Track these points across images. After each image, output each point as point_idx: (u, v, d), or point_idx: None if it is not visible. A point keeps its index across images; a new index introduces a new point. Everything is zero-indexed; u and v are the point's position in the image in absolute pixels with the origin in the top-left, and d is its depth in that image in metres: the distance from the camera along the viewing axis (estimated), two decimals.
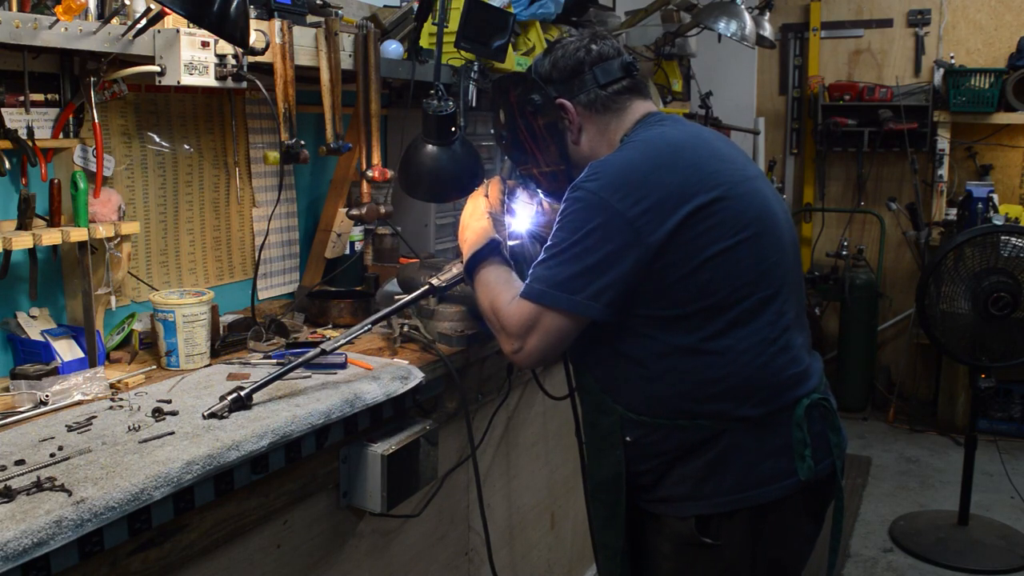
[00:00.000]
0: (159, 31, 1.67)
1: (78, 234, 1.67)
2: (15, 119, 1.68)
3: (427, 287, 1.80)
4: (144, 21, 1.62)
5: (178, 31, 1.67)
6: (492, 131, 2.09)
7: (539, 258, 1.51)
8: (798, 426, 1.50)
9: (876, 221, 5.04)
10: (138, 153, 1.99)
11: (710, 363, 1.47)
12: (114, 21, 1.60)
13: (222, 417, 1.47)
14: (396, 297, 1.86)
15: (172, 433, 1.39)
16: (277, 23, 1.87)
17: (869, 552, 3.38)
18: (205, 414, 1.47)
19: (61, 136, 1.77)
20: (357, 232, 2.43)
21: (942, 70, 4.59)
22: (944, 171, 4.60)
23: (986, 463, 3.93)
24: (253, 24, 1.73)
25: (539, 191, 1.88)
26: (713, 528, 1.52)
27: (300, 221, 2.45)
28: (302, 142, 1.96)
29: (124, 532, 1.23)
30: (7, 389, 1.56)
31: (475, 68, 2.39)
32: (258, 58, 1.82)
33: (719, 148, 1.57)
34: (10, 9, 1.48)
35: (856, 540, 3.47)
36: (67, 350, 1.71)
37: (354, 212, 2.21)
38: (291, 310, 2.22)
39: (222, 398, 1.50)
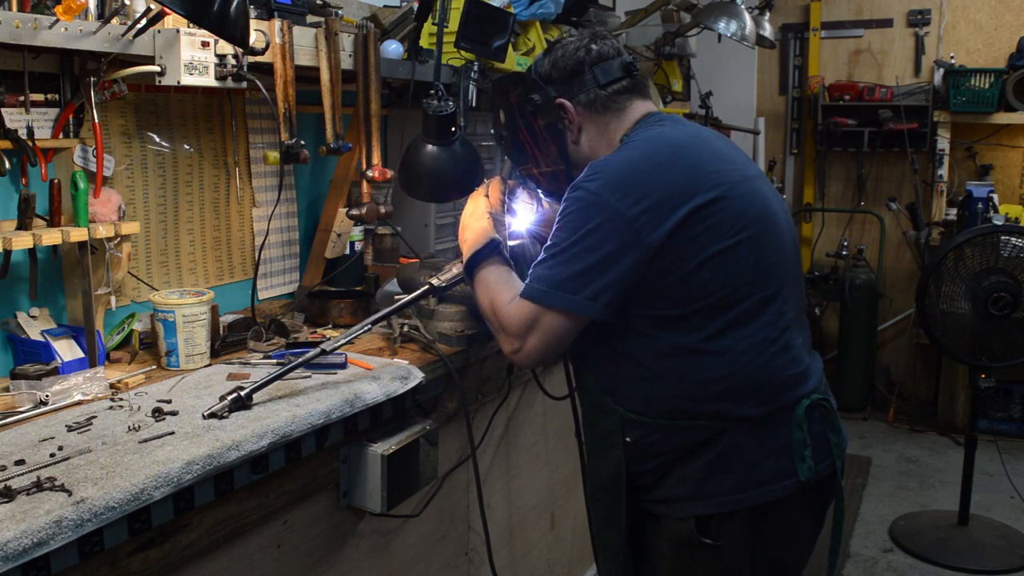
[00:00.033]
0: (159, 31, 1.67)
1: (78, 234, 1.67)
2: (15, 119, 1.68)
3: (427, 287, 1.80)
4: (144, 21, 1.62)
5: (178, 31, 1.67)
6: (492, 131, 2.09)
7: (539, 258, 1.51)
8: (798, 426, 1.50)
9: (876, 221, 5.04)
10: (138, 153, 1.99)
11: (710, 363, 1.47)
12: (114, 21, 1.60)
13: (222, 417, 1.47)
14: (396, 297, 1.86)
15: (172, 433, 1.39)
16: (277, 23, 1.87)
17: (869, 552, 3.38)
18: (205, 414, 1.47)
19: (61, 136, 1.77)
20: (357, 232, 2.43)
21: (942, 70, 4.59)
22: (944, 171, 4.60)
23: (986, 463, 3.93)
24: (253, 24, 1.73)
25: (539, 191, 1.88)
26: (713, 528, 1.52)
27: (300, 221, 2.45)
28: (302, 142, 1.96)
29: (124, 532, 1.23)
30: (7, 389, 1.56)
31: (475, 68, 2.39)
32: (258, 58, 1.82)
33: (719, 148, 1.57)
34: (10, 9, 1.48)
35: (856, 540, 3.47)
36: (67, 350, 1.71)
37: (354, 212, 2.21)
38: (291, 310, 2.22)
39: (222, 398, 1.50)
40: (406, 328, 1.96)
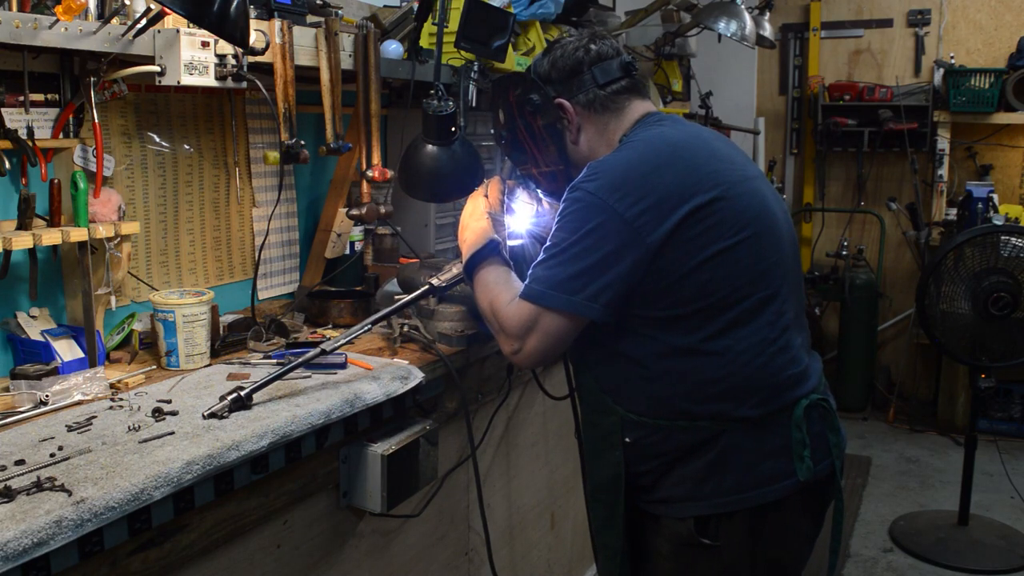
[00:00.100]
0: (159, 31, 1.67)
1: (78, 234, 1.67)
2: (15, 119, 1.68)
3: (427, 287, 1.80)
4: (144, 21, 1.62)
5: (178, 31, 1.67)
6: (492, 131, 2.09)
7: (538, 259, 1.51)
8: (797, 427, 1.50)
9: (876, 221, 5.04)
10: (138, 153, 1.99)
11: (709, 363, 1.47)
12: (114, 21, 1.60)
13: (222, 417, 1.47)
14: (396, 297, 1.86)
15: (172, 433, 1.40)
16: (277, 23, 1.87)
17: (869, 552, 3.38)
18: (205, 414, 1.47)
19: (61, 136, 1.77)
20: (357, 232, 2.44)
21: (942, 70, 4.59)
22: (944, 171, 4.60)
23: (986, 463, 3.93)
24: (253, 24, 1.73)
25: (538, 191, 1.88)
26: (712, 529, 1.52)
27: (300, 221, 2.45)
28: (302, 142, 1.96)
29: (124, 532, 1.23)
30: (7, 389, 1.56)
31: (475, 68, 2.39)
32: (258, 58, 1.82)
33: (718, 148, 1.57)
34: (10, 9, 1.48)
35: (856, 540, 3.47)
36: (67, 350, 1.71)
37: (354, 212, 2.21)
38: (291, 310, 2.22)
39: (222, 398, 1.50)
40: (406, 328, 1.96)
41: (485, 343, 2.01)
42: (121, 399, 1.56)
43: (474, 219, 1.78)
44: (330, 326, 2.14)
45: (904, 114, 4.69)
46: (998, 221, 3.93)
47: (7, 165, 1.66)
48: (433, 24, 2.29)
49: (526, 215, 1.94)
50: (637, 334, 1.50)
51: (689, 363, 1.48)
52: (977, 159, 4.70)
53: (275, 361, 1.81)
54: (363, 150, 2.19)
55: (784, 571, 1.59)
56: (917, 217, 4.57)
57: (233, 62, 1.78)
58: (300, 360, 1.62)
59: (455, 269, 1.79)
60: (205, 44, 1.73)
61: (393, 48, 2.30)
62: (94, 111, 1.75)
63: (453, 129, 2.07)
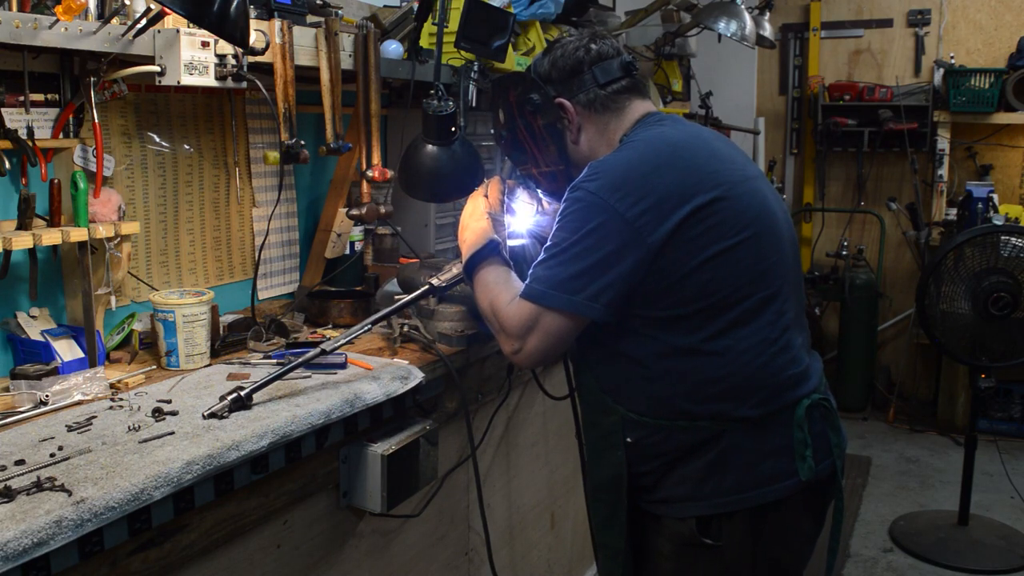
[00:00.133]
0: (159, 31, 1.67)
1: (78, 234, 1.67)
2: (15, 119, 1.68)
3: (427, 287, 1.80)
4: (144, 21, 1.62)
5: (178, 31, 1.67)
6: (492, 131, 2.09)
7: (539, 258, 1.51)
8: (799, 426, 1.50)
9: (876, 221, 5.04)
10: (138, 153, 1.99)
11: (710, 363, 1.47)
12: (114, 21, 1.60)
13: (222, 417, 1.47)
14: (396, 297, 1.86)
15: (172, 433, 1.39)
16: (277, 23, 1.87)
17: (869, 552, 3.38)
18: (205, 414, 1.47)
19: (61, 136, 1.77)
20: (357, 232, 2.43)
21: (942, 70, 4.59)
22: (944, 171, 4.60)
23: (986, 463, 3.93)
24: (253, 24, 1.73)
25: (539, 191, 1.88)
26: (713, 528, 1.52)
27: (300, 221, 2.45)
28: (302, 142, 1.96)
29: (124, 532, 1.23)
30: (7, 389, 1.56)
31: (475, 68, 2.39)
32: (258, 58, 1.82)
33: (718, 148, 1.57)
34: (10, 9, 1.48)
35: (856, 540, 3.47)
36: (67, 350, 1.71)
37: (354, 212, 2.21)
38: (291, 310, 2.22)
39: (222, 398, 1.50)
40: (406, 328, 1.96)
41: (485, 343, 2.01)
42: (121, 399, 1.56)
43: (474, 219, 1.78)
44: (330, 326, 2.14)
45: (904, 114, 4.69)
46: (998, 221, 3.93)
47: (7, 165, 1.65)
48: (433, 24, 2.29)
49: (526, 215, 1.94)
50: (638, 334, 1.50)
51: (690, 363, 1.48)
52: (977, 159, 4.70)
53: (275, 361, 1.81)
54: (363, 150, 2.19)
55: (785, 571, 1.59)
56: (917, 217, 4.57)
57: (233, 62, 1.78)
58: (300, 360, 1.62)
59: (455, 269, 1.79)
60: (205, 44, 1.73)
61: (393, 48, 2.30)
62: (94, 111, 1.75)
63: (453, 129, 2.07)
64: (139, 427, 1.42)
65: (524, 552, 2.48)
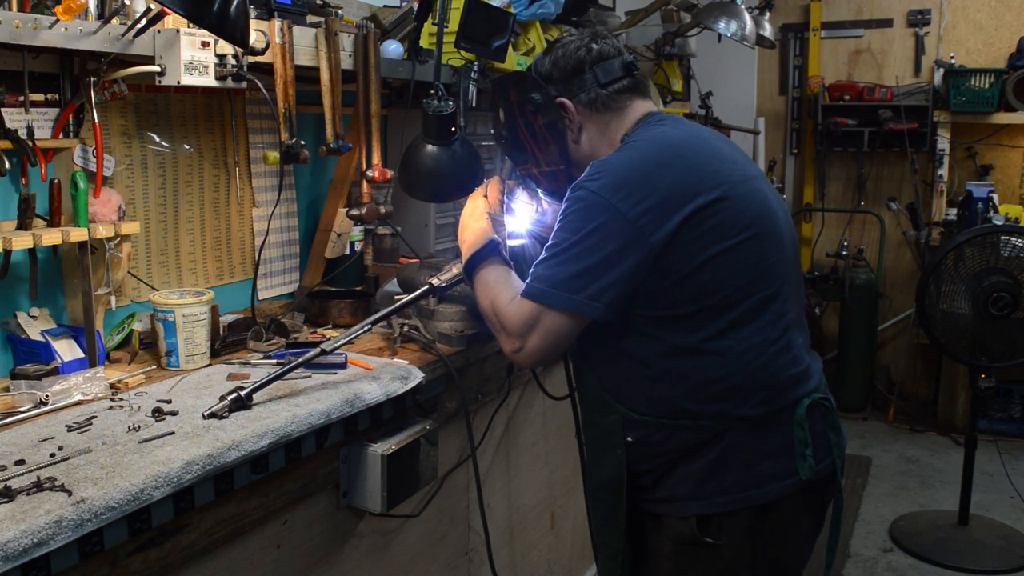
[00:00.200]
0: (159, 31, 1.67)
1: (78, 234, 1.67)
2: (15, 119, 1.68)
3: (427, 287, 1.79)
4: (144, 21, 1.62)
5: (178, 31, 1.67)
6: (492, 131, 2.10)
7: (540, 257, 1.51)
8: (799, 425, 1.51)
9: (876, 221, 5.04)
10: (138, 153, 1.99)
11: (711, 363, 1.47)
12: (114, 21, 1.60)
13: (222, 417, 1.47)
14: (396, 297, 1.86)
15: (172, 433, 1.39)
16: (277, 23, 1.87)
17: (869, 552, 3.38)
18: (205, 414, 1.47)
19: (61, 136, 1.77)
20: (357, 232, 2.43)
21: (942, 70, 4.59)
22: (944, 171, 4.60)
23: (986, 463, 3.93)
24: (253, 24, 1.73)
25: (539, 191, 1.88)
26: (714, 528, 1.52)
27: (300, 221, 2.45)
28: (302, 142, 1.96)
29: (124, 532, 1.23)
30: (7, 389, 1.56)
31: (475, 68, 2.39)
32: (258, 58, 1.82)
33: (719, 148, 1.57)
34: (10, 9, 1.48)
35: (856, 540, 3.47)
36: (67, 350, 1.71)
37: (354, 212, 2.21)
38: (291, 310, 2.22)
39: (222, 398, 1.50)
40: (406, 328, 1.96)
41: (485, 343, 2.01)
42: (121, 399, 1.56)
43: (474, 219, 1.78)
44: (330, 326, 2.14)
45: (904, 114, 4.69)
46: (998, 221, 3.93)
47: (7, 165, 1.65)
48: (433, 24, 2.29)
49: (526, 215, 1.94)
50: (639, 333, 1.50)
51: (691, 362, 1.48)
52: (977, 159, 4.70)
53: (275, 361, 1.81)
54: (363, 150, 2.19)
55: (785, 570, 1.59)
56: (917, 217, 4.57)
57: (233, 62, 1.78)
58: (300, 360, 1.62)
59: (455, 269, 1.79)
60: (205, 44, 1.73)
61: (393, 48, 2.30)
62: (94, 111, 1.75)
63: (453, 129, 2.07)
64: (139, 427, 1.42)
65: (524, 552, 2.48)
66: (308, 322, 2.19)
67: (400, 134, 2.43)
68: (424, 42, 2.37)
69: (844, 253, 4.92)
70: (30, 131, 1.70)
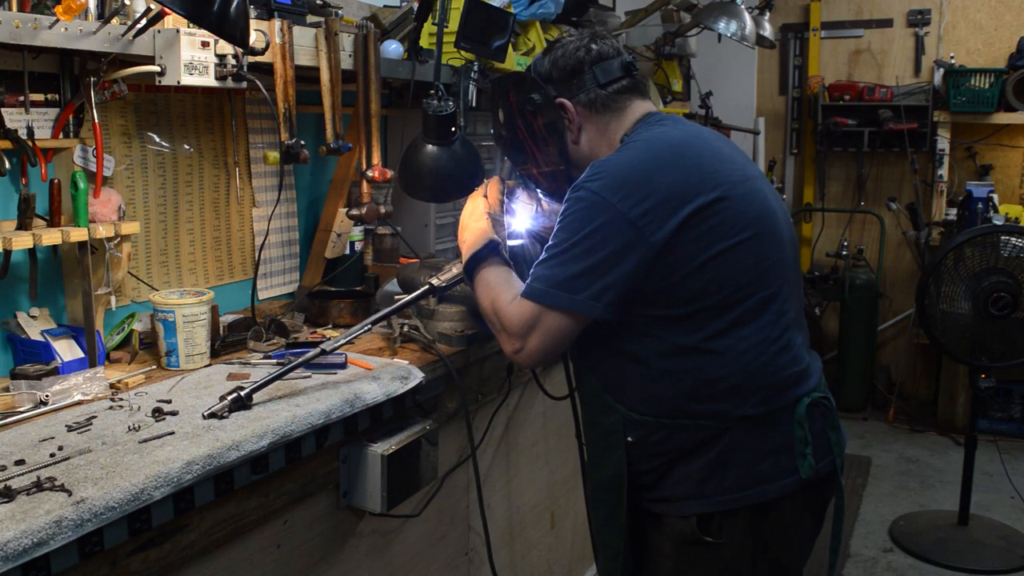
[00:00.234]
0: (159, 31, 1.67)
1: (78, 234, 1.67)
2: (15, 119, 1.68)
3: (427, 287, 1.79)
4: (144, 21, 1.62)
5: (178, 31, 1.67)
6: (492, 131, 2.10)
7: (540, 258, 1.51)
8: (799, 424, 1.51)
9: (876, 221, 5.04)
10: (138, 153, 1.99)
11: (711, 363, 1.47)
12: (114, 21, 1.60)
13: (222, 417, 1.47)
14: (396, 297, 1.86)
15: (172, 433, 1.39)
16: (277, 23, 1.87)
17: (869, 552, 3.38)
18: (205, 414, 1.47)
19: (61, 136, 1.77)
20: (357, 232, 2.43)
21: (942, 70, 4.59)
22: (944, 171, 4.60)
23: (986, 463, 3.93)
24: (253, 24, 1.73)
25: (539, 191, 1.88)
26: (714, 527, 1.52)
27: (300, 221, 2.45)
28: (302, 142, 1.96)
29: (124, 532, 1.23)
30: (7, 389, 1.56)
31: (475, 68, 2.39)
32: (258, 58, 1.82)
33: (719, 148, 1.57)
34: (10, 9, 1.48)
35: (856, 540, 3.47)
36: (67, 350, 1.71)
37: (354, 212, 2.21)
38: (291, 310, 2.22)
39: (222, 398, 1.50)
40: (406, 328, 1.96)
41: (485, 343, 2.01)
42: (121, 399, 1.56)
43: (474, 219, 1.78)
44: (330, 326, 2.14)
45: (904, 114, 4.69)
46: (998, 221, 3.93)
47: (7, 165, 1.65)
48: (433, 24, 2.29)
49: (526, 215, 1.94)
50: (639, 333, 1.50)
51: (691, 362, 1.48)
52: (977, 159, 4.70)
53: (275, 361, 1.81)
54: (363, 150, 2.19)
55: (785, 570, 1.59)
56: (917, 217, 4.57)
57: (233, 62, 1.78)
58: (300, 360, 1.62)
59: (455, 269, 1.79)
60: (205, 44, 1.73)
61: (393, 48, 2.30)
62: (94, 111, 1.75)
63: (453, 129, 2.07)
64: (139, 427, 1.42)
65: (524, 552, 2.48)
66: (308, 322, 2.19)
67: (400, 134, 2.43)
68: (424, 42, 2.37)
69: (844, 253, 4.92)
70: (30, 131, 1.70)
